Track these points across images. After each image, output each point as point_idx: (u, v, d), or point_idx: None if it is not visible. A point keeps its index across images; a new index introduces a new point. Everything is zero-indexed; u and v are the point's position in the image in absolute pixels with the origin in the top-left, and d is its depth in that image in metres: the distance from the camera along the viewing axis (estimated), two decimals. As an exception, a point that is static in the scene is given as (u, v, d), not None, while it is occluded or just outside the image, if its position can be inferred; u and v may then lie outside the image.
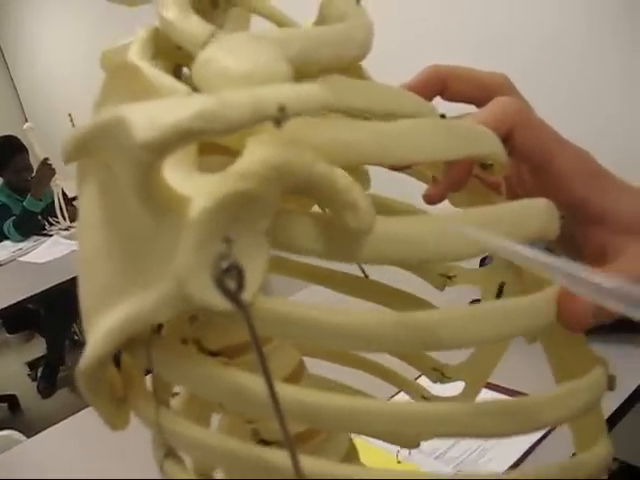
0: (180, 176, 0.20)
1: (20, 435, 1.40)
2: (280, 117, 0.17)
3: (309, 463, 0.21)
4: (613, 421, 0.89)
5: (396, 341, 0.21)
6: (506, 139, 0.28)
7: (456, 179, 0.29)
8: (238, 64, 0.20)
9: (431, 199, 0.31)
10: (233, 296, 0.19)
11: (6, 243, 2.89)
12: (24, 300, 2.25)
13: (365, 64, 0.31)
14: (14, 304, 2.20)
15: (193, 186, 0.19)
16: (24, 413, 3.07)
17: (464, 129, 0.25)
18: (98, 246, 0.23)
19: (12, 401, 3.09)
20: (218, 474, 0.32)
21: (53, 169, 2.86)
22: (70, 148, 0.21)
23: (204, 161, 0.22)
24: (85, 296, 0.24)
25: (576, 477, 0.25)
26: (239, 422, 0.34)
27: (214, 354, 0.32)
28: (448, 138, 0.23)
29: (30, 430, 1.32)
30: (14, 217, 2.87)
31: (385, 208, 0.39)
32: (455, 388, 0.43)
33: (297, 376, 0.33)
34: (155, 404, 0.25)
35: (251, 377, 0.22)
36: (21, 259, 2.66)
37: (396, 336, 0.21)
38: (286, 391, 0.21)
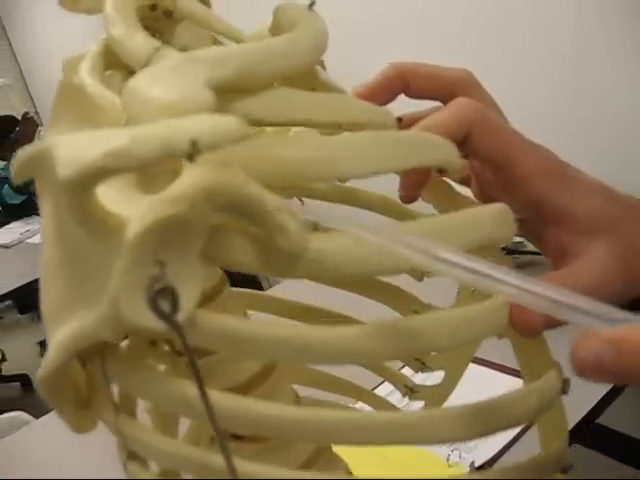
0: (119, 197, 0.21)
1: (29, 416, 1.43)
2: (192, 152, 0.17)
3: (244, 465, 0.22)
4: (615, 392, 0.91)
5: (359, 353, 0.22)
6: (464, 141, 0.29)
7: (410, 184, 0.30)
8: (160, 94, 0.20)
9: (403, 200, 0.31)
10: (167, 317, 0.19)
11: (13, 225, 2.90)
12: (34, 281, 2.27)
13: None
14: (24, 285, 2.23)
15: (130, 209, 0.20)
16: (36, 392, 3.12)
17: (409, 139, 0.25)
18: (52, 262, 0.24)
19: (24, 380, 3.13)
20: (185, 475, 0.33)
21: (36, 123, 2.80)
22: (16, 168, 0.22)
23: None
24: (43, 307, 0.25)
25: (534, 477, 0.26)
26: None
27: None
28: (391, 150, 0.23)
29: (42, 409, 1.35)
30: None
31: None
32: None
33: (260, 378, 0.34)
34: (114, 411, 0.26)
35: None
36: (29, 241, 2.68)
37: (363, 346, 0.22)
38: (222, 400, 0.22)
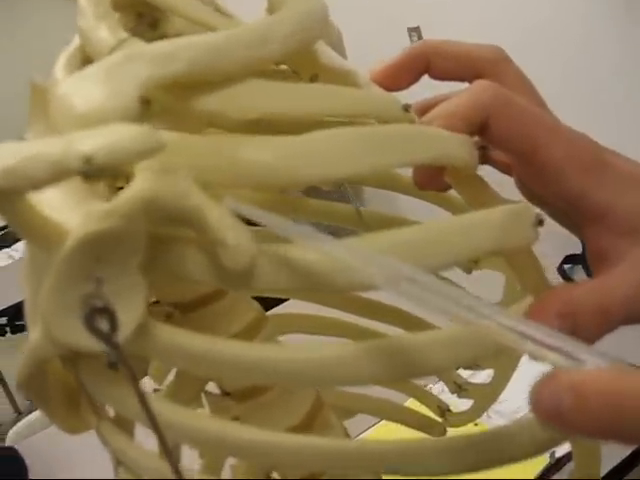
0: (69, 203, 0.19)
1: None
2: (87, 171, 0.15)
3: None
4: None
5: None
6: (483, 129, 0.25)
7: (417, 181, 0.27)
8: (79, 102, 0.18)
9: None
10: (105, 337, 0.18)
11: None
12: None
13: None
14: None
15: (73, 219, 0.18)
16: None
17: (397, 135, 0.22)
18: (25, 266, 0.23)
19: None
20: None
21: None
22: None
23: None
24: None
25: None
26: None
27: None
28: (372, 149, 0.21)
29: None
30: None
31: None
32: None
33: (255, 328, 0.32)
34: (96, 416, 0.25)
35: (167, 405, 0.21)
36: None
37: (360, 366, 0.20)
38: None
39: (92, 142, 0.15)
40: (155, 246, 0.20)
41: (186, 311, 0.30)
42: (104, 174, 0.15)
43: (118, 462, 0.27)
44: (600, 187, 0.25)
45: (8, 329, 2.96)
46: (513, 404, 0.75)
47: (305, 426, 0.31)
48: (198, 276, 0.19)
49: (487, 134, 0.25)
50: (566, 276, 1.24)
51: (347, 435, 0.36)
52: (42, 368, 0.22)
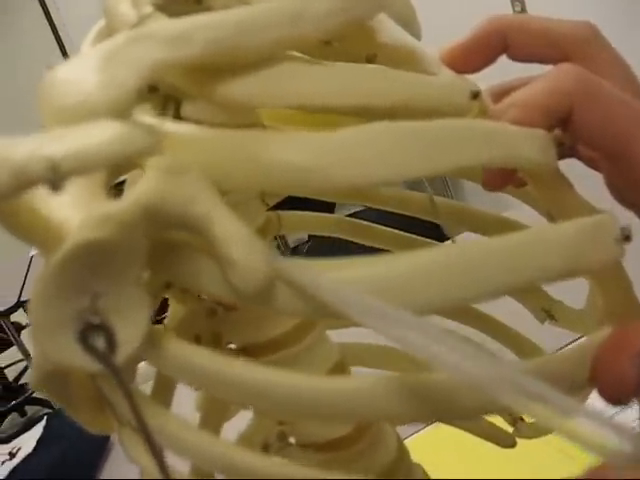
0: (76, 202, 0.17)
1: None
2: (53, 179, 0.13)
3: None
4: None
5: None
6: (566, 120, 0.21)
7: (488, 183, 0.23)
8: (67, 92, 0.16)
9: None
10: (102, 357, 0.16)
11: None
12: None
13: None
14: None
15: (72, 223, 0.16)
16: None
17: (455, 132, 0.18)
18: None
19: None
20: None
21: None
22: None
23: None
24: None
25: None
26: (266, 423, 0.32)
27: (235, 351, 0.30)
28: (422, 150, 0.18)
29: None
30: None
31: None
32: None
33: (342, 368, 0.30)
34: (117, 423, 0.23)
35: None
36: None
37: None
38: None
39: (59, 146, 0.13)
40: (165, 253, 0.17)
41: (230, 309, 0.28)
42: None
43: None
44: None
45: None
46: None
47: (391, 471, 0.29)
48: (213, 290, 0.17)
49: (570, 127, 0.22)
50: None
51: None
52: (57, 373, 0.20)
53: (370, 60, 0.23)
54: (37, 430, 1.10)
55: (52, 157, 0.13)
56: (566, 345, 0.76)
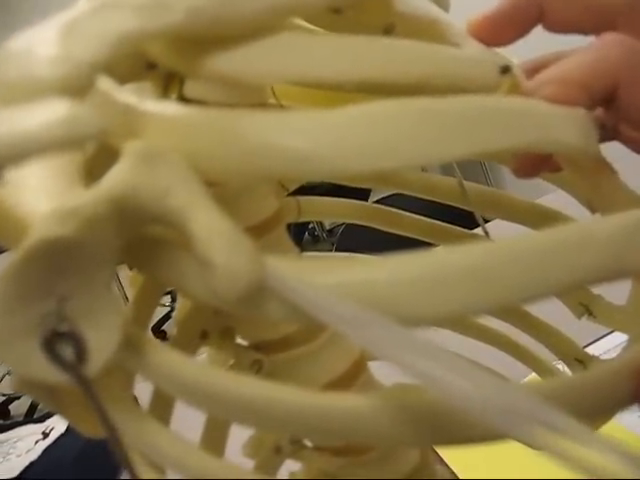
0: (38, 192, 0.15)
1: None
2: None
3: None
4: None
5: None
6: (609, 99, 0.19)
7: (518, 170, 0.21)
8: (17, 65, 0.14)
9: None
10: (70, 368, 0.14)
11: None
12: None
13: None
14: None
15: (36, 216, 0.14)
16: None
17: (480, 111, 0.16)
18: None
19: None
20: None
21: None
22: None
23: None
24: None
25: None
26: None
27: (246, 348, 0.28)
28: (439, 133, 0.15)
29: None
30: None
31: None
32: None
33: (350, 377, 0.28)
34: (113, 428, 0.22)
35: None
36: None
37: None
38: None
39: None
40: (144, 249, 0.15)
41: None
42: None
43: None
44: None
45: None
46: None
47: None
48: (197, 293, 0.15)
49: (614, 106, 0.19)
50: None
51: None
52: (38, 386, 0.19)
53: (388, 31, 0.21)
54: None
55: None
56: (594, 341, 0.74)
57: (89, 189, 0.14)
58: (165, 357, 0.16)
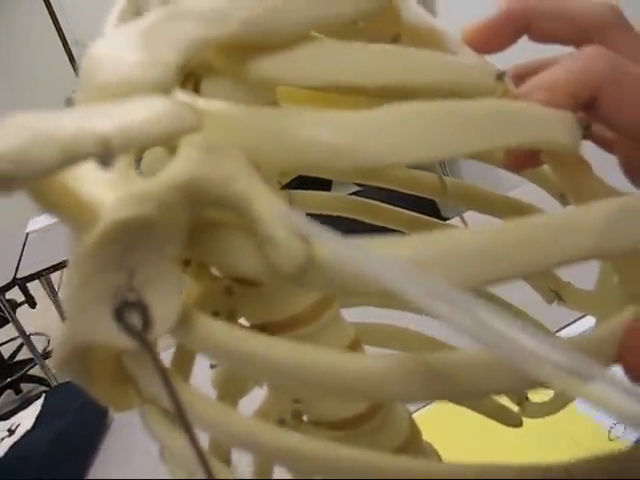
0: (101, 181, 0.17)
1: None
2: (103, 156, 0.13)
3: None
4: None
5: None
6: (590, 104, 0.21)
7: (512, 165, 0.23)
8: (109, 68, 0.16)
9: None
10: (136, 334, 0.16)
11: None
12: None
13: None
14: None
15: (106, 201, 0.16)
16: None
17: (482, 113, 0.18)
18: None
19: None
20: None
21: None
22: None
23: None
24: None
25: None
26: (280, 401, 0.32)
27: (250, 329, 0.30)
28: (451, 131, 0.17)
29: None
30: None
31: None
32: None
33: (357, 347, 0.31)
34: (140, 400, 0.23)
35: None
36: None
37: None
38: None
39: (109, 122, 0.13)
40: (200, 231, 0.17)
41: (249, 285, 0.28)
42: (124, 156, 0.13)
43: (160, 452, 0.25)
44: None
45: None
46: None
47: (367, 416, 0.29)
48: (247, 269, 0.17)
49: (594, 110, 0.22)
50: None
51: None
52: (80, 352, 0.20)
53: (395, 40, 0.23)
54: (35, 407, 1.10)
55: (103, 133, 0.12)
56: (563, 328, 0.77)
57: (154, 176, 0.16)
58: (212, 327, 0.18)
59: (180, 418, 0.17)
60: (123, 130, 0.13)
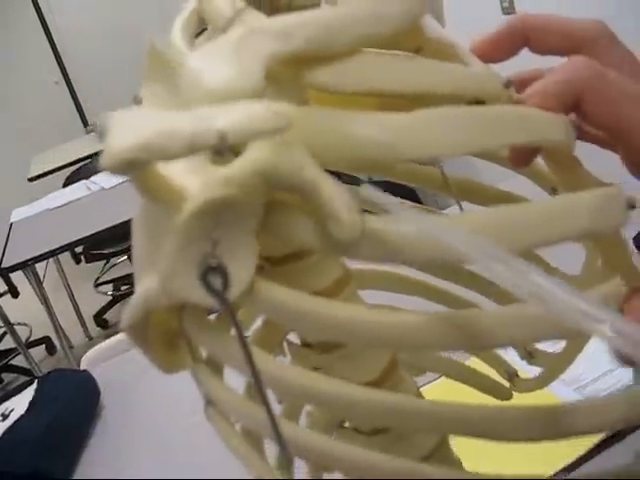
0: (190, 168, 0.21)
1: None
2: (221, 146, 0.16)
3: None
4: None
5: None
6: (577, 107, 0.25)
7: (516, 161, 0.27)
8: (211, 78, 0.20)
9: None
10: (218, 294, 0.20)
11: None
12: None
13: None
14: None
15: (192, 184, 0.20)
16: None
17: (497, 116, 0.22)
18: (140, 214, 0.25)
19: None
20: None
21: None
22: None
23: None
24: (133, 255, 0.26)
25: None
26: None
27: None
28: (474, 130, 0.21)
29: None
30: None
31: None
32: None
33: (337, 287, 0.34)
34: (192, 358, 0.27)
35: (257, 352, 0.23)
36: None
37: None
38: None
39: (226, 119, 0.17)
40: (267, 209, 0.21)
41: (276, 265, 0.31)
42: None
43: (208, 402, 0.29)
44: None
45: (83, 258, 3.09)
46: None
47: (380, 382, 0.33)
48: (305, 242, 0.21)
49: (580, 112, 0.26)
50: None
51: (420, 394, 0.37)
52: (148, 314, 0.24)
53: (417, 52, 0.27)
54: (29, 393, 1.12)
55: (222, 129, 0.16)
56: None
57: (232, 164, 0.20)
58: (273, 289, 0.22)
59: (253, 374, 0.21)
60: (236, 127, 0.17)
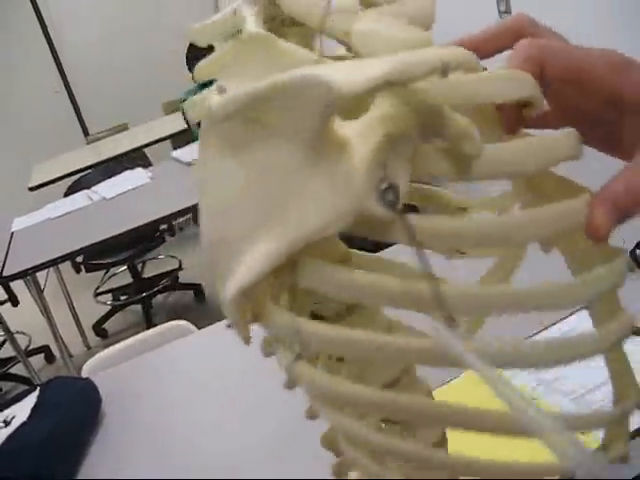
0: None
1: (190, 326, 1.47)
2: (444, 71, 0.24)
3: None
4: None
5: None
6: (541, 75, 0.31)
7: (510, 127, 0.32)
8: (397, 34, 0.28)
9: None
10: (393, 206, 0.25)
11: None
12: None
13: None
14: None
15: (352, 131, 0.25)
16: (207, 304, 3.31)
17: (508, 74, 0.29)
18: (235, 189, 0.28)
19: (197, 290, 3.33)
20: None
21: None
22: (232, 109, 0.27)
23: None
24: (227, 230, 0.29)
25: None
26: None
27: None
28: (504, 83, 0.29)
29: (206, 319, 1.37)
30: None
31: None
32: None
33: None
34: (291, 314, 0.29)
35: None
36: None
37: None
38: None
39: (443, 54, 0.25)
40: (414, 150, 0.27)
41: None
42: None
43: (296, 358, 0.30)
44: (633, 83, 0.31)
45: (83, 267, 3.05)
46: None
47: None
48: (441, 170, 0.28)
49: (545, 78, 0.31)
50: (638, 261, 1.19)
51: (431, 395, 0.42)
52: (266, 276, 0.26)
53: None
54: (31, 400, 1.09)
55: (444, 58, 0.24)
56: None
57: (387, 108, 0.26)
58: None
59: (418, 253, 0.25)
60: (451, 58, 0.25)
